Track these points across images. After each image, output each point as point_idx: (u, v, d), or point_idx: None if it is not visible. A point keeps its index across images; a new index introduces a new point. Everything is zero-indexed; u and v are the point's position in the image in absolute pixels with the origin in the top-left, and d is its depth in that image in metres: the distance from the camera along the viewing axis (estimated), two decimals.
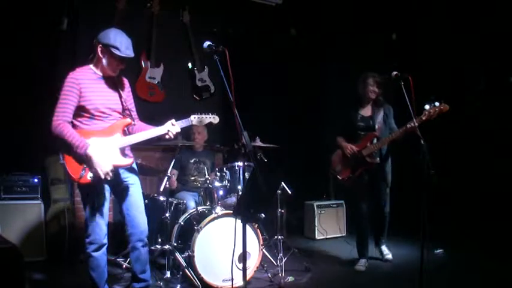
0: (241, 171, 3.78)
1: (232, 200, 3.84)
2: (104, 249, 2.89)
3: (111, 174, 2.76)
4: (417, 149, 3.02)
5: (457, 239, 4.85)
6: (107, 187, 2.89)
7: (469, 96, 5.08)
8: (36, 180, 4.38)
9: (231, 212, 3.48)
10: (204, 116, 3.09)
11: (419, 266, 2.87)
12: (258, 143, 4.14)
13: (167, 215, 3.67)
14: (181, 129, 3.03)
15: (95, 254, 2.85)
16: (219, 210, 3.56)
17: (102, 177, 2.74)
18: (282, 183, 4.11)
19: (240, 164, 3.80)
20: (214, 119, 3.13)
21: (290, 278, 3.74)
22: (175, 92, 5.40)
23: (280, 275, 3.71)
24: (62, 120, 2.73)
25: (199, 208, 3.75)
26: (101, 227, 2.84)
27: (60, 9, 4.87)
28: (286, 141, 4.81)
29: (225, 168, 3.92)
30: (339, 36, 6.24)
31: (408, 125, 3.61)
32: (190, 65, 5.49)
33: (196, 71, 5.45)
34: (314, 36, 6.36)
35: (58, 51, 4.99)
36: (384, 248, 4.29)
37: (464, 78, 5.09)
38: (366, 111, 4.12)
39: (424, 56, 5.45)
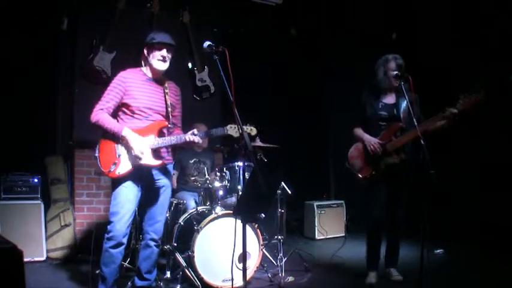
0: (241, 171, 3.77)
1: (232, 200, 3.84)
2: (122, 248, 2.91)
3: (140, 158, 2.84)
4: (417, 149, 3.03)
5: (457, 239, 4.85)
6: (137, 186, 2.93)
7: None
8: (36, 180, 4.39)
9: (231, 212, 3.48)
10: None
11: (419, 266, 2.87)
12: (258, 143, 4.14)
13: (167, 215, 3.66)
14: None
15: (112, 250, 2.87)
16: (219, 210, 3.56)
17: (139, 155, 2.82)
18: (282, 183, 4.11)
19: (240, 164, 3.80)
20: (251, 130, 2.96)
21: (290, 278, 3.74)
22: None
23: (280, 275, 3.71)
24: (99, 110, 2.87)
25: (199, 208, 3.75)
26: (122, 225, 2.87)
27: (60, 9, 4.87)
28: (287, 142, 4.80)
29: (225, 168, 3.92)
30: (339, 36, 6.24)
31: (447, 112, 3.13)
32: (190, 65, 5.49)
33: (196, 71, 5.45)
34: (314, 36, 6.36)
35: (58, 51, 4.99)
36: (393, 270, 3.65)
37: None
38: (389, 99, 3.54)
39: (424, 56, 5.45)
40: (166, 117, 3.03)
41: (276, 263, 3.92)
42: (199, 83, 5.46)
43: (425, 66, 5.21)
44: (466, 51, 5.11)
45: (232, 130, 2.93)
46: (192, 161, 4.46)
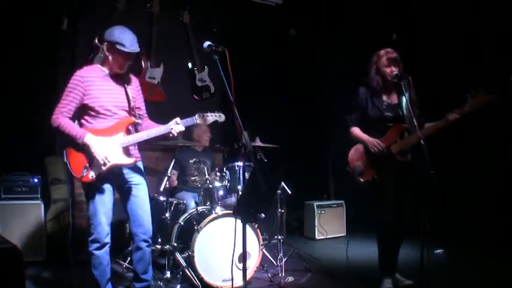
0: (241, 171, 3.78)
1: (232, 200, 3.84)
2: (107, 248, 2.90)
3: (108, 161, 2.77)
4: (417, 149, 3.02)
5: (457, 239, 4.85)
6: (110, 187, 2.90)
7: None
8: (36, 180, 4.38)
9: (231, 212, 3.48)
10: (209, 114, 3.02)
11: (419, 266, 2.87)
12: (258, 143, 4.14)
13: (167, 215, 3.67)
14: (185, 128, 3.01)
15: (96, 252, 2.86)
16: (219, 210, 3.56)
17: (101, 162, 2.75)
18: (282, 183, 4.11)
19: (240, 164, 3.80)
20: (220, 117, 3.04)
21: (290, 278, 3.75)
22: (175, 92, 5.40)
23: (280, 275, 3.72)
24: (60, 114, 2.78)
25: (199, 208, 3.75)
26: (102, 226, 2.85)
27: (60, 9, 4.87)
28: (286, 141, 4.80)
29: (225, 168, 3.93)
30: (339, 36, 6.24)
31: (450, 117, 3.02)
32: (190, 65, 5.49)
33: (196, 71, 5.45)
34: (314, 36, 6.37)
35: (58, 51, 4.99)
36: (398, 275, 3.43)
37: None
38: (391, 98, 3.31)
39: (424, 56, 5.45)
40: (131, 111, 2.96)
41: (276, 263, 3.92)
42: (199, 83, 5.47)
43: (425, 66, 5.21)
44: (466, 52, 5.12)
45: (200, 119, 2.97)
46: (192, 160, 4.46)
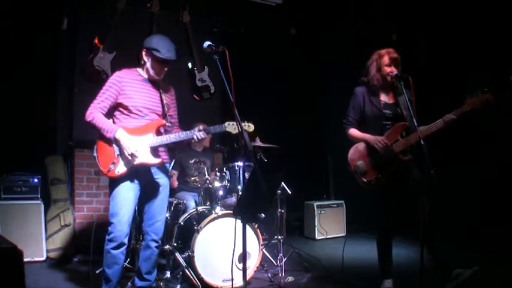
0: (241, 171, 3.78)
1: (232, 200, 3.84)
2: (123, 249, 2.91)
3: (136, 157, 2.83)
4: (417, 148, 3.02)
5: (457, 239, 4.85)
6: (136, 185, 2.93)
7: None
8: (36, 180, 4.39)
9: (231, 212, 3.48)
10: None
11: (419, 266, 2.87)
12: (258, 143, 4.14)
13: (167, 215, 3.67)
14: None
15: (113, 251, 2.87)
16: (219, 210, 3.56)
17: (129, 157, 2.81)
18: (282, 183, 4.11)
19: (240, 164, 3.80)
20: (249, 127, 3.05)
21: (290, 278, 3.75)
22: (175, 92, 5.39)
23: (280, 275, 3.72)
24: (95, 109, 2.86)
25: (199, 208, 3.75)
26: (122, 226, 2.87)
27: (60, 9, 4.87)
28: (286, 141, 4.80)
29: (225, 168, 3.93)
30: (339, 36, 6.24)
31: (446, 118, 2.97)
32: (190, 65, 5.49)
33: (196, 71, 5.45)
34: (314, 36, 6.37)
35: (58, 51, 4.99)
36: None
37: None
38: (388, 98, 3.26)
39: (424, 57, 5.45)
40: (163, 116, 3.04)
41: (276, 263, 3.92)
42: (199, 83, 5.46)
43: (425, 67, 5.21)
44: (466, 52, 5.12)
45: (230, 127, 2.95)
46: (192, 161, 4.46)
